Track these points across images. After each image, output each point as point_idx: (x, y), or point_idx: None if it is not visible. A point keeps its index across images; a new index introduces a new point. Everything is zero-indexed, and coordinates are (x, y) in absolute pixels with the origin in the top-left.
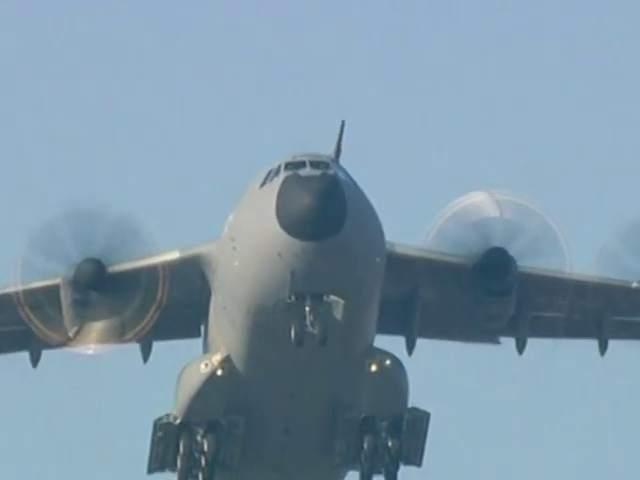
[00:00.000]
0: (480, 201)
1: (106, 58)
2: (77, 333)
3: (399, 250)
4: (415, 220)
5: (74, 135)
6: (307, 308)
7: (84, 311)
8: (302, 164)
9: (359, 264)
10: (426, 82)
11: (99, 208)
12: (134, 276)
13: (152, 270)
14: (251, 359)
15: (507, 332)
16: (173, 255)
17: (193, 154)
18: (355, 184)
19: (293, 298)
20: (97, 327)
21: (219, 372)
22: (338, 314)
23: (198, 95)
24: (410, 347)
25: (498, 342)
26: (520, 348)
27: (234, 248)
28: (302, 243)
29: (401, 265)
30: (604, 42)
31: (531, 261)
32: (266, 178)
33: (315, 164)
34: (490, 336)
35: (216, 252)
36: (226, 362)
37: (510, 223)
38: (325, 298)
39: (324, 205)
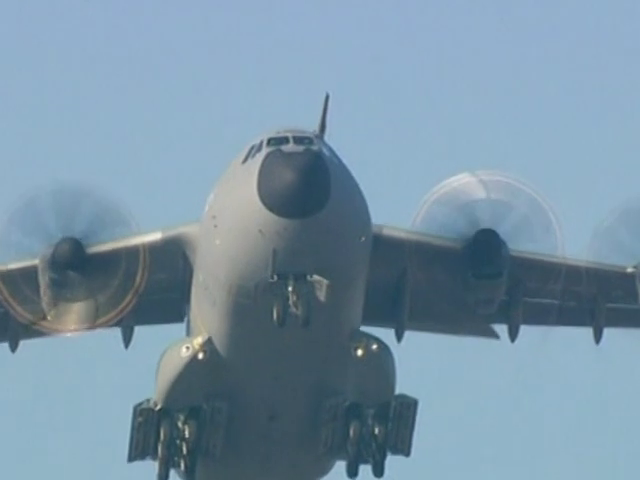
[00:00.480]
0: (467, 182)
1: (88, 37)
2: (55, 315)
3: (387, 232)
4: (402, 203)
5: (61, 116)
6: (290, 288)
7: (62, 292)
8: (285, 140)
9: (343, 243)
10: (414, 59)
11: (83, 188)
12: (114, 257)
13: (133, 251)
14: (233, 341)
15: (499, 319)
16: (155, 236)
17: (175, 133)
18: (340, 161)
19: (275, 278)
20: (74, 309)
21: (200, 356)
22: (322, 295)
23: (180, 70)
24: (399, 337)
25: (497, 336)
26: (512, 335)
27: (215, 226)
28: (284, 220)
29: (389, 248)
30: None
31: (522, 244)
32: (248, 154)
33: (298, 140)
34: (483, 325)
35: (198, 232)
36: (207, 345)
37: (498, 204)
38: (308, 278)
39: (307, 182)
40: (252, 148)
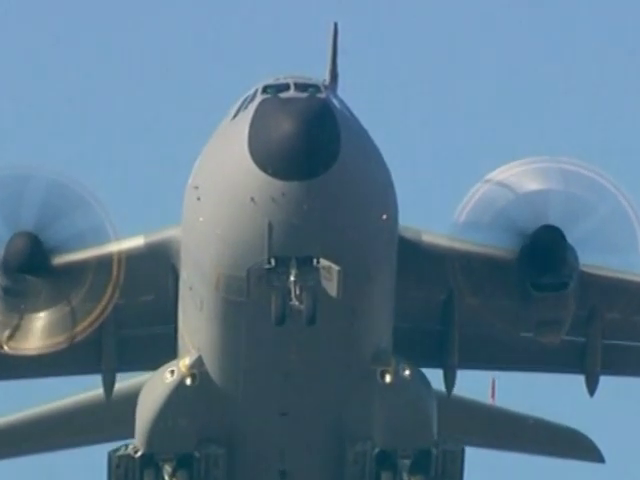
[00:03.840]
0: (539, 168)
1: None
2: (10, 337)
3: (427, 239)
4: (442, 197)
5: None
6: (292, 277)
7: (18, 303)
8: (285, 87)
9: (359, 216)
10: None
11: (29, 171)
12: (84, 265)
13: (107, 258)
14: (226, 358)
15: (572, 363)
16: (136, 242)
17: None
18: (355, 118)
19: (272, 263)
20: (37, 324)
21: (188, 381)
22: (332, 287)
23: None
24: (450, 381)
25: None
26: (591, 387)
27: (198, 199)
28: (281, 183)
29: (430, 260)
30: None
31: (597, 253)
32: (240, 108)
33: (302, 87)
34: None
35: (182, 225)
36: (197, 366)
37: (575, 199)
38: (315, 263)
39: (310, 131)
40: (245, 100)
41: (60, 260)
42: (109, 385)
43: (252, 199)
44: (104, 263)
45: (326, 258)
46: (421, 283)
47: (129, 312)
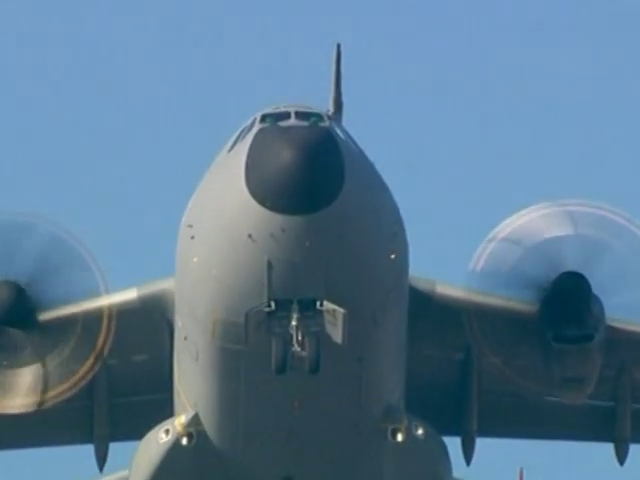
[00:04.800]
0: (548, 215)
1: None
2: None
3: (441, 291)
4: (455, 246)
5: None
6: (293, 322)
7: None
8: (285, 115)
9: (365, 253)
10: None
11: (27, 220)
12: (71, 323)
13: (97, 313)
14: (224, 415)
15: (600, 429)
16: (128, 295)
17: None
18: (361, 151)
19: (273, 306)
20: (19, 380)
21: (184, 441)
22: (337, 332)
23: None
24: (468, 450)
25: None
26: (621, 456)
27: (192, 238)
28: (281, 218)
29: (445, 313)
30: None
31: (620, 299)
32: (237, 139)
33: (303, 115)
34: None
35: (176, 268)
36: (193, 424)
37: (590, 242)
38: (318, 306)
39: (312, 162)
40: (242, 131)
41: (47, 315)
42: (102, 456)
43: (250, 236)
44: (94, 318)
45: (330, 301)
46: (435, 340)
47: (122, 375)
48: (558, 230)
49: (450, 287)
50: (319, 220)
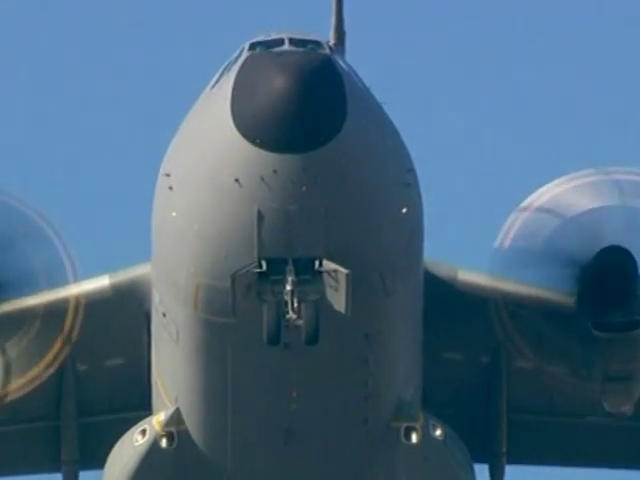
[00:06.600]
0: (591, 183)
1: None
2: None
3: (464, 278)
4: (479, 221)
5: None
6: (288, 286)
7: None
8: (278, 42)
9: (372, 201)
10: None
11: None
12: (30, 315)
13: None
14: (208, 409)
15: None
16: (100, 282)
17: None
18: (367, 88)
19: (264, 265)
20: None
21: (163, 443)
22: (340, 298)
23: None
24: (497, 477)
25: None
26: None
27: (170, 189)
28: (273, 157)
29: (468, 304)
30: None
31: None
32: (222, 74)
33: (299, 42)
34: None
35: (153, 227)
36: (174, 423)
37: (637, 214)
38: (317, 266)
39: (310, 90)
40: (228, 64)
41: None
42: None
43: (236, 180)
44: (57, 310)
45: (331, 260)
46: (457, 339)
47: (93, 385)
48: (602, 200)
49: (475, 274)
50: (317, 159)
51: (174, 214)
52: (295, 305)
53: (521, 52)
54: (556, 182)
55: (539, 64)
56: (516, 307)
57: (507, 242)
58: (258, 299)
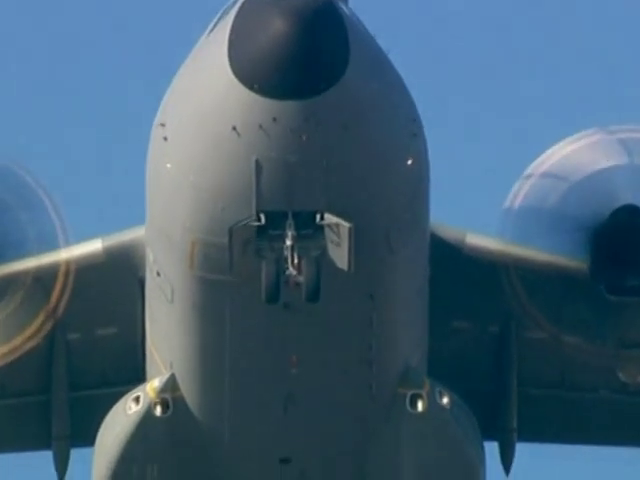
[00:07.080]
0: (596, 143)
1: None
2: None
3: (473, 242)
4: (486, 187)
5: None
6: (288, 241)
7: None
8: None
9: (377, 150)
10: None
11: None
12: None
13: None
14: (205, 373)
15: None
16: (92, 246)
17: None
18: (371, 36)
19: (262, 219)
20: None
21: (157, 411)
22: (342, 254)
23: None
24: (507, 455)
25: None
26: None
27: (165, 139)
28: (272, 103)
29: (477, 269)
30: None
31: None
32: (218, 20)
33: None
34: None
35: (147, 179)
36: (169, 390)
37: None
38: (318, 219)
39: (310, 33)
40: (225, 10)
41: None
42: (62, 462)
43: (234, 128)
44: (46, 275)
45: (333, 213)
46: (464, 306)
47: (85, 356)
48: (609, 161)
49: (484, 237)
50: (318, 106)
51: (169, 165)
52: (295, 261)
53: None
54: (559, 145)
55: None
56: (527, 272)
57: (514, 208)
58: (257, 255)
